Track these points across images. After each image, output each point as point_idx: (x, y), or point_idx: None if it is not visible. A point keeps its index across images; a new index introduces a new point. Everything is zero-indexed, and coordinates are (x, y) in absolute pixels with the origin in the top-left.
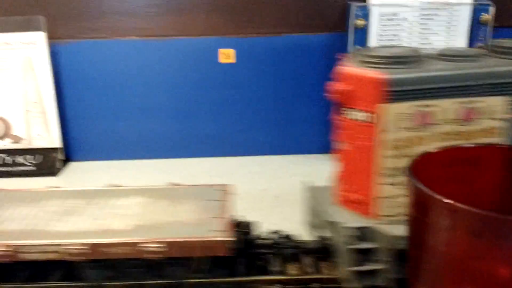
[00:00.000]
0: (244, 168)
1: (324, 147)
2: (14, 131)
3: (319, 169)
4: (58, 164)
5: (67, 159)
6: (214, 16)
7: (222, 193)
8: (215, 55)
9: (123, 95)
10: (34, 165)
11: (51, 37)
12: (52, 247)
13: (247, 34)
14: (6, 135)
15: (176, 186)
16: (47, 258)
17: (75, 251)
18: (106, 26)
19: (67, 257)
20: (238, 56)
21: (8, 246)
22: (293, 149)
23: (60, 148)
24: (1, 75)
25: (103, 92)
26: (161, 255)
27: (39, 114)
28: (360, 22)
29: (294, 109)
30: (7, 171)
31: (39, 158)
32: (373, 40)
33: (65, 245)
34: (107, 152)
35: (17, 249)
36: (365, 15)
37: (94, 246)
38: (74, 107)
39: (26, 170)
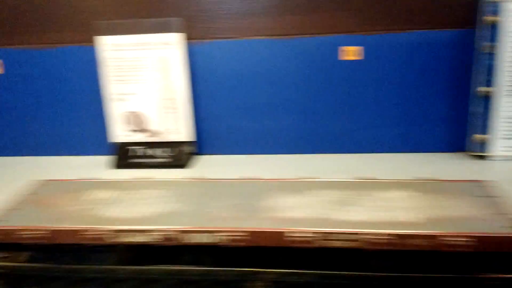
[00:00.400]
0: (369, 166)
1: (449, 146)
2: (150, 125)
3: (445, 168)
4: (190, 157)
5: (197, 152)
6: (339, 14)
7: (483, 189)
8: (338, 53)
9: (250, 93)
10: (167, 157)
11: (186, 38)
12: (354, 235)
13: (374, 31)
14: (142, 129)
15: (432, 181)
16: (348, 246)
17: (377, 240)
18: (235, 27)
19: (367, 246)
20: (366, 53)
21: (314, 233)
22: (415, 147)
23: (192, 141)
24: (140, 73)
25: (231, 89)
26: (464, 249)
27: (174, 110)
28: (491, 18)
29: (418, 107)
30: (142, 162)
31: (173, 151)
32: (506, 37)
33: (366, 234)
34: (233, 147)
35: (325, 236)
36: (497, 11)
37: (400, 237)
38: (204, 104)
39: (161, 162)
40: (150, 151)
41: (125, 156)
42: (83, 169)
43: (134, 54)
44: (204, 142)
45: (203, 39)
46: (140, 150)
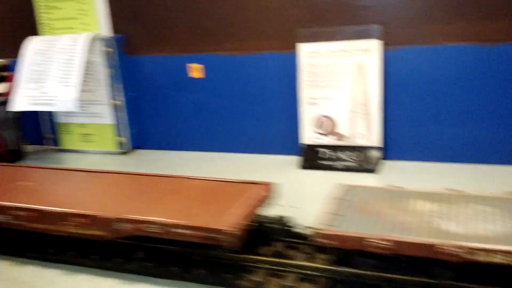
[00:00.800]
0: None
1: None
2: (339, 129)
3: None
4: (378, 162)
5: (383, 157)
6: None
7: None
8: None
9: (442, 99)
10: (355, 161)
11: (384, 44)
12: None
13: None
14: (331, 132)
15: None
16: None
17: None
18: (431, 33)
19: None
20: None
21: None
22: None
23: (380, 147)
24: (335, 79)
25: (423, 95)
26: None
27: (363, 115)
28: None
29: None
30: (330, 165)
31: (360, 156)
32: None
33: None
34: (420, 153)
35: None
36: None
37: None
38: (393, 109)
39: (347, 166)
40: (338, 154)
41: (313, 157)
42: (273, 167)
43: (331, 60)
44: (390, 148)
45: (399, 45)
46: (328, 153)
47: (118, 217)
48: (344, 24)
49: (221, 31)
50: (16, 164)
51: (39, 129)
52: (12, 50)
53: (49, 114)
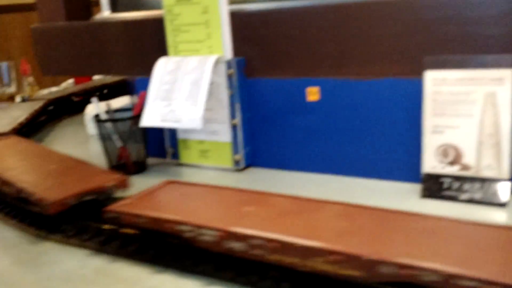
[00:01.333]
0: None
1: None
2: (465, 159)
3: None
4: (507, 195)
5: None
6: None
7: None
8: None
9: None
10: (481, 193)
11: None
12: None
13: None
14: (455, 161)
15: None
16: None
17: None
18: None
19: None
20: None
21: None
22: None
23: (509, 179)
24: (462, 107)
25: None
26: None
27: (492, 146)
28: None
29: None
30: (453, 196)
31: (487, 188)
32: None
33: None
34: None
35: None
36: None
37: None
38: None
39: (473, 198)
40: (463, 185)
41: (435, 187)
42: (391, 194)
43: (459, 89)
44: None
45: None
46: (452, 183)
47: (384, 259)
48: (471, 53)
49: (341, 56)
50: (230, 187)
51: (161, 143)
52: (143, 68)
53: (171, 130)
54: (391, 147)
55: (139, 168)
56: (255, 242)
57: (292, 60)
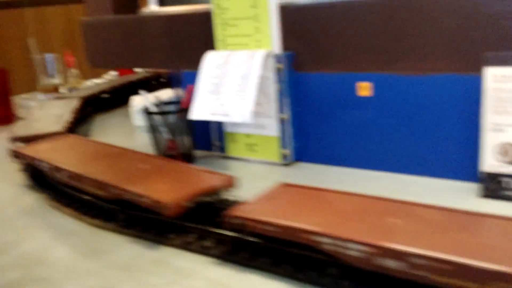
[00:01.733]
0: None
1: None
2: None
3: None
4: None
5: None
6: None
7: None
8: None
9: None
10: None
11: None
12: None
13: None
14: None
15: None
16: None
17: None
18: None
19: None
20: None
21: None
22: None
23: None
24: None
25: None
26: None
27: None
28: None
29: None
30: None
31: None
32: None
33: None
34: None
35: None
36: None
37: None
38: None
39: None
40: None
41: (495, 186)
42: (447, 193)
43: None
44: None
45: None
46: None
47: None
48: None
49: (395, 50)
50: (357, 193)
51: (208, 136)
52: (188, 62)
53: (218, 123)
54: (446, 144)
55: (187, 160)
56: (417, 261)
57: (343, 55)
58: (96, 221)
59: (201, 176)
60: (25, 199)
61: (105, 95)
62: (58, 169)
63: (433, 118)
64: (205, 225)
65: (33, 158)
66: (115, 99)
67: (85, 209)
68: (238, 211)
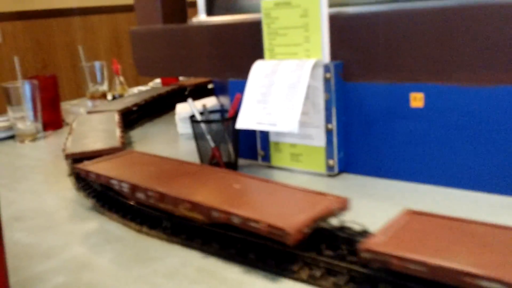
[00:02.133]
0: None
1: None
2: None
3: None
4: None
5: None
6: None
7: None
8: None
9: None
10: None
11: None
12: None
13: None
14: None
15: None
16: None
17: None
18: None
19: None
20: None
21: None
22: None
23: None
24: None
25: None
26: None
27: None
28: None
29: None
30: None
31: None
32: None
33: None
34: None
35: None
36: None
37: None
38: None
39: None
40: None
41: None
42: (504, 210)
43: None
44: None
45: None
46: None
47: None
48: None
49: (450, 60)
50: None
51: (252, 145)
52: (234, 71)
53: (262, 132)
54: (502, 159)
55: (230, 168)
56: None
57: (394, 65)
58: (143, 228)
59: (310, 198)
60: (73, 205)
61: (135, 108)
62: (139, 188)
63: (490, 132)
64: (330, 257)
65: (107, 178)
66: (158, 107)
67: (131, 215)
68: (375, 245)
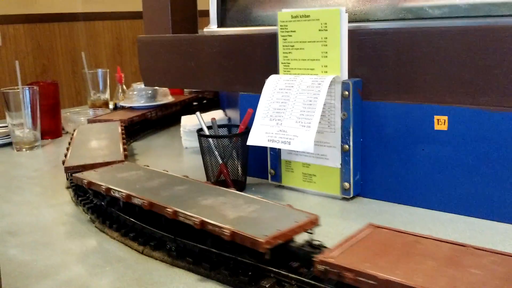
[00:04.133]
0: None
1: None
2: None
3: None
4: None
5: None
6: None
7: None
8: None
9: None
10: None
11: None
12: None
13: None
14: None
15: None
16: None
17: None
18: None
19: None
20: None
21: None
22: None
23: None
24: None
25: None
26: None
27: None
28: None
29: None
30: None
31: None
32: None
33: None
34: None
35: None
36: None
37: None
38: None
39: None
40: None
41: None
42: None
43: None
44: None
45: None
46: None
47: None
48: None
49: (476, 83)
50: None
51: (262, 163)
52: (248, 85)
53: (273, 149)
54: None
55: (238, 187)
56: None
57: (417, 85)
58: (145, 248)
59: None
60: (72, 221)
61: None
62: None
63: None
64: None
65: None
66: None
67: (133, 234)
68: (330, 258)
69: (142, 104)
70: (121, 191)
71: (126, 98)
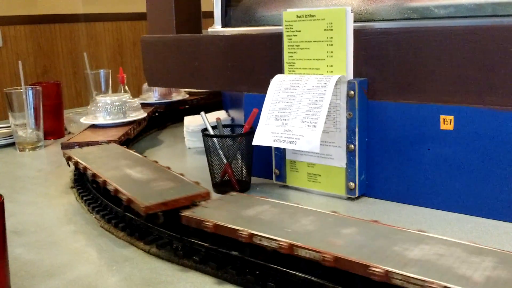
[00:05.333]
0: None
1: None
2: None
3: None
4: None
5: None
6: None
7: None
8: None
9: None
10: None
11: None
12: None
13: None
14: None
15: None
16: None
17: None
18: None
19: None
20: None
21: None
22: None
23: None
24: None
25: None
26: None
27: None
28: None
29: None
30: None
31: None
32: None
33: None
34: None
35: None
36: None
37: None
38: None
39: None
40: None
41: None
42: None
43: None
44: None
45: None
46: None
47: None
48: None
49: (483, 82)
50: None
51: (267, 163)
52: (252, 85)
53: (278, 149)
54: None
55: (243, 187)
56: None
57: (423, 84)
58: (152, 248)
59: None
60: (76, 219)
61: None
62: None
63: None
64: None
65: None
66: (162, 118)
67: (138, 233)
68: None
69: (107, 122)
70: (277, 240)
71: (88, 114)
